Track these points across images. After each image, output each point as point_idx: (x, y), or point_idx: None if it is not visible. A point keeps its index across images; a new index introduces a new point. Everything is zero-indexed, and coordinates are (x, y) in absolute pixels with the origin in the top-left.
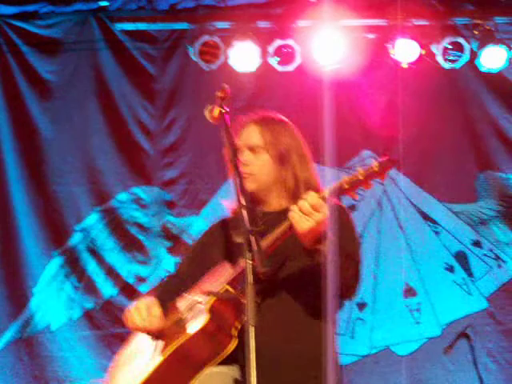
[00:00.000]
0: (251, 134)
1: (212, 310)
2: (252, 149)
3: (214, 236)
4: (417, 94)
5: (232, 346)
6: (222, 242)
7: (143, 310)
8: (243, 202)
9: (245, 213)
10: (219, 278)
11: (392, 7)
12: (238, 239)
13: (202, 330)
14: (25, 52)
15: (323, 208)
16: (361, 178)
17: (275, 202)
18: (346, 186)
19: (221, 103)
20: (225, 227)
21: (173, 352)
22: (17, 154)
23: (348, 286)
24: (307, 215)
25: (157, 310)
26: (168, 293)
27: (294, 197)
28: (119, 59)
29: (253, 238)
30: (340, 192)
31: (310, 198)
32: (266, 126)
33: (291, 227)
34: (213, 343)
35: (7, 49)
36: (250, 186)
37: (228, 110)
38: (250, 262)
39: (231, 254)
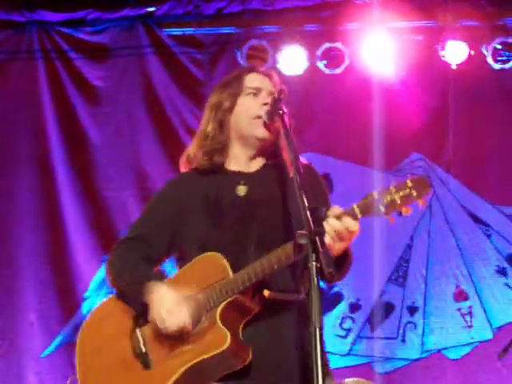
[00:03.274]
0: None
1: (224, 321)
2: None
3: (171, 194)
4: (467, 96)
5: (249, 359)
6: (200, 204)
7: (175, 312)
8: (306, 202)
9: (308, 213)
10: (215, 280)
11: (441, 8)
12: (302, 240)
13: (226, 350)
14: (73, 58)
15: (357, 229)
16: (398, 201)
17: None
18: (382, 209)
19: (279, 104)
20: (196, 183)
21: (189, 368)
22: (66, 160)
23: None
24: (341, 240)
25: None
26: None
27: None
28: (166, 64)
29: (318, 239)
30: (371, 211)
31: (348, 222)
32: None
33: None
34: (232, 360)
35: (56, 55)
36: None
37: (286, 110)
38: (316, 264)
39: (213, 218)
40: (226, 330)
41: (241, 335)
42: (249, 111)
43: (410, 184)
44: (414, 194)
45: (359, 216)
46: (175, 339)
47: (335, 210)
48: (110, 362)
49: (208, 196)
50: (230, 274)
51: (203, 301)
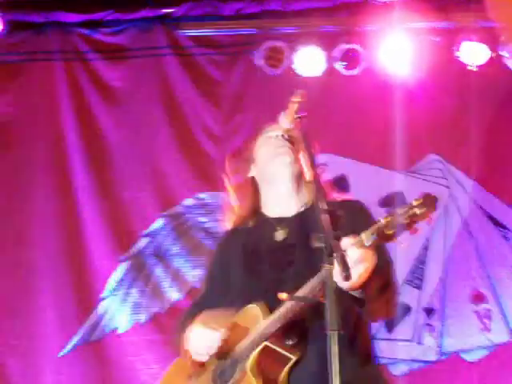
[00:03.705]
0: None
1: (256, 371)
2: None
3: (229, 251)
4: (485, 97)
5: None
6: (239, 255)
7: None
8: (323, 206)
9: (325, 217)
10: (250, 329)
11: (459, 9)
12: (317, 244)
13: None
14: (91, 59)
15: (368, 258)
16: (404, 221)
17: None
18: (388, 232)
19: (297, 108)
20: (237, 237)
21: None
22: (83, 160)
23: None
24: (357, 271)
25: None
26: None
27: None
28: (184, 65)
29: (335, 242)
30: (380, 237)
31: (351, 252)
32: None
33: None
34: None
35: (74, 56)
36: None
37: (305, 114)
38: (331, 267)
39: (250, 267)
40: (253, 379)
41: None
42: (267, 150)
43: (414, 204)
44: (419, 212)
45: (366, 244)
46: None
47: (344, 242)
48: None
49: (247, 246)
50: (261, 322)
51: (238, 353)
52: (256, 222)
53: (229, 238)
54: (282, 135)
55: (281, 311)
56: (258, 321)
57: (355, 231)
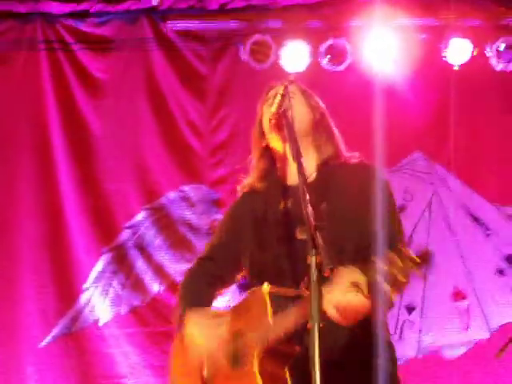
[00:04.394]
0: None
1: (261, 366)
2: None
3: (241, 215)
4: (469, 95)
5: None
6: (251, 220)
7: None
8: (307, 197)
9: (310, 208)
10: (257, 320)
11: (445, 7)
12: (302, 235)
13: None
14: (76, 50)
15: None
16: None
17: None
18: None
19: (280, 101)
20: (250, 202)
21: None
22: (67, 151)
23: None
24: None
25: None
26: (203, 286)
27: None
28: (169, 58)
29: (318, 234)
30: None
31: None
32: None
33: None
34: None
35: (59, 47)
36: None
37: (291, 104)
38: (315, 259)
39: (261, 232)
40: (258, 376)
41: (288, 379)
42: (263, 120)
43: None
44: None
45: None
46: (226, 370)
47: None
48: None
49: (256, 212)
50: (269, 314)
51: (246, 343)
52: (267, 185)
53: (240, 202)
54: (270, 119)
55: (289, 315)
56: (266, 309)
57: (366, 200)
